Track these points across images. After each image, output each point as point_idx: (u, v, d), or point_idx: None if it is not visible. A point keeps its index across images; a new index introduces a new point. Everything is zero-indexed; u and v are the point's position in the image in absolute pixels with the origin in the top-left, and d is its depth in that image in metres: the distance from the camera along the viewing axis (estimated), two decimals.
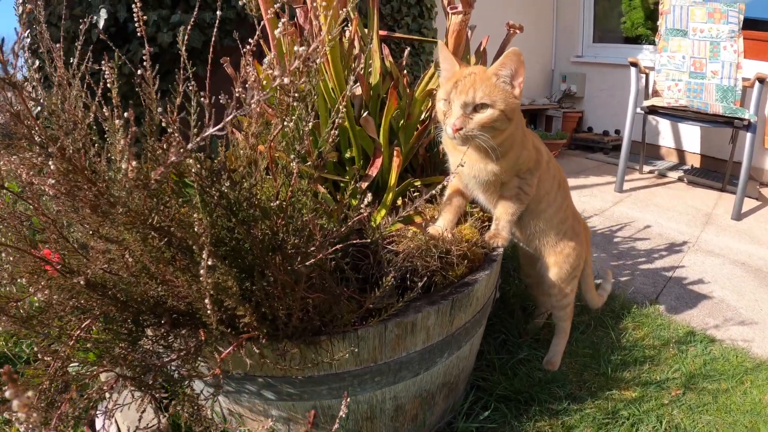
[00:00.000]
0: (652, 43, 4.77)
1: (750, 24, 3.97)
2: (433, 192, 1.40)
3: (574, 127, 5.57)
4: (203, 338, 0.98)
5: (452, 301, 1.13)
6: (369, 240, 0.86)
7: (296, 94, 0.76)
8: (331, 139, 0.93)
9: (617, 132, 5.38)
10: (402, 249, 1.20)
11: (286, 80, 0.60)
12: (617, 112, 4.89)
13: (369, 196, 0.79)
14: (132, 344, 1.01)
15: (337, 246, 0.85)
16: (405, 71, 1.78)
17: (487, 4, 4.64)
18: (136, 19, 0.82)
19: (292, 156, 0.84)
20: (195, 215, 0.78)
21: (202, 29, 2.55)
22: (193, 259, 0.87)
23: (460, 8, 1.22)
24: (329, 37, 1.01)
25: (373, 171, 1.32)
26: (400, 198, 1.40)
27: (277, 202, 0.89)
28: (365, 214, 0.81)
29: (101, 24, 2.36)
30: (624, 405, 1.58)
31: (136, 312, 1.00)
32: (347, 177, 1.37)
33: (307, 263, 0.87)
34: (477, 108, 1.17)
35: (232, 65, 1.44)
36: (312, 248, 0.86)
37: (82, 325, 0.96)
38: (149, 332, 1.04)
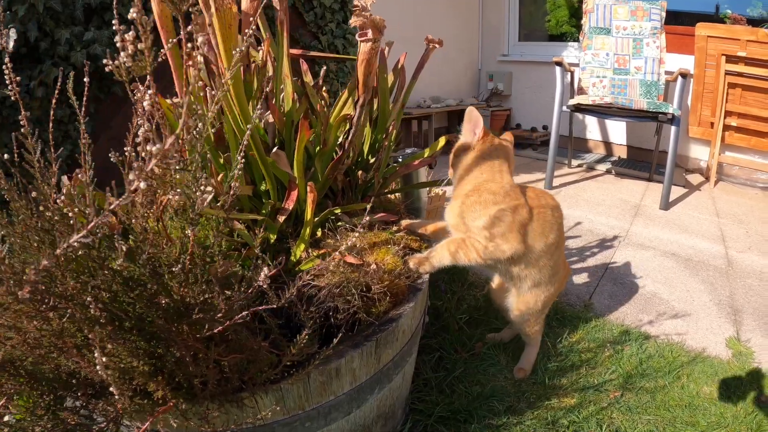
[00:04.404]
0: (577, 40, 4.91)
1: (672, 16, 4.11)
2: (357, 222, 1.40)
3: (502, 125, 5.68)
4: (120, 410, 0.94)
5: (377, 341, 1.11)
6: (275, 305, 0.82)
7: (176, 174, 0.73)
8: (232, 191, 0.89)
9: (545, 128, 5.49)
10: (324, 284, 1.18)
11: (142, 184, 0.56)
12: (544, 108, 5.02)
13: (266, 270, 0.76)
14: (52, 419, 0.96)
15: (243, 313, 0.82)
16: (324, 88, 1.75)
17: (412, 3, 4.67)
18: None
19: (184, 223, 0.80)
20: (87, 298, 0.73)
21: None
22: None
23: (369, 35, 1.20)
24: (228, 75, 0.97)
25: (290, 204, 1.29)
26: (320, 229, 1.38)
27: (179, 266, 0.85)
28: (264, 287, 0.78)
29: (11, 45, 2.23)
30: (563, 413, 1.60)
31: (50, 387, 0.94)
32: (263, 211, 1.33)
33: (215, 330, 0.83)
34: None
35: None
36: (218, 316, 0.83)
37: None
38: (68, 404, 0.99)
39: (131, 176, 0.57)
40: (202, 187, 0.81)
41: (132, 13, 0.66)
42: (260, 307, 0.81)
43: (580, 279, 2.56)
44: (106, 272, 0.80)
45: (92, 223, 0.56)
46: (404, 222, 1.54)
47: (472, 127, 1.46)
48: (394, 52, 1.65)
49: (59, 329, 0.83)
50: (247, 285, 0.85)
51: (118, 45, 0.66)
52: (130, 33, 0.68)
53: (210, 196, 1.23)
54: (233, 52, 0.95)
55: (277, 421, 1.07)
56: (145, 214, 0.90)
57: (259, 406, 1.01)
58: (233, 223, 1.31)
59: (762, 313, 2.28)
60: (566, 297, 2.35)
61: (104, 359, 0.66)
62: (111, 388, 0.76)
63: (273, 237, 1.35)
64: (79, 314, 0.77)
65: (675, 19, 4.39)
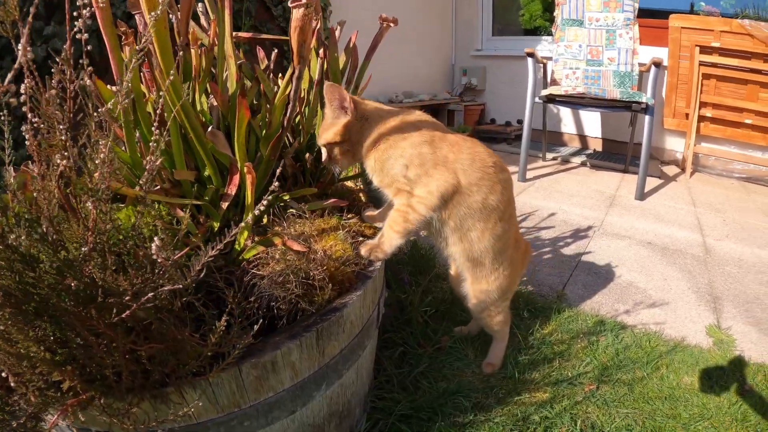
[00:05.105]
0: (551, 34, 4.87)
1: (647, 13, 4.11)
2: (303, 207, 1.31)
3: (476, 119, 5.67)
4: (31, 404, 0.85)
5: (318, 332, 1.02)
6: (180, 285, 0.72)
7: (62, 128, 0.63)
8: (149, 167, 0.80)
9: (519, 122, 5.46)
10: (267, 273, 1.09)
11: None
12: (519, 102, 4.98)
13: (157, 240, 0.66)
14: None
15: (149, 295, 0.72)
16: (280, 75, 1.66)
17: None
18: None
19: (86, 194, 0.71)
20: None
21: (78, 39, 2.38)
22: None
23: (303, 1, 1.10)
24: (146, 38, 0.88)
25: (232, 189, 1.20)
26: (267, 216, 1.29)
27: (88, 246, 0.76)
28: (167, 264, 0.68)
29: None
30: (535, 408, 1.52)
31: None
32: (206, 198, 1.24)
33: (122, 315, 0.74)
34: None
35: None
36: (127, 298, 0.73)
37: None
38: None
39: None
40: (102, 155, 0.71)
41: None
42: (165, 288, 0.71)
43: (553, 269, 2.48)
44: (2, 248, 0.71)
45: None
46: (368, 213, 1.45)
47: (339, 102, 1.26)
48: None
49: None
50: (158, 267, 0.75)
51: None
52: None
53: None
54: (149, 16, 0.86)
55: (211, 419, 0.97)
56: (49, 188, 0.81)
57: (188, 402, 0.91)
58: (176, 211, 1.22)
59: (742, 300, 2.23)
60: (538, 288, 2.27)
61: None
62: (3, 374, 0.67)
63: (217, 225, 1.26)
64: None
65: (650, 16, 4.37)
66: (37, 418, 0.89)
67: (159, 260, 0.66)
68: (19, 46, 0.60)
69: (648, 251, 2.71)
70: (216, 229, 1.27)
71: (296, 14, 1.08)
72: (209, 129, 1.16)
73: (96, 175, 0.71)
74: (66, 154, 0.68)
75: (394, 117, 1.30)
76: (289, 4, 1.09)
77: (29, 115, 0.73)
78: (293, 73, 1.19)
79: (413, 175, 1.23)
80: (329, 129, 1.29)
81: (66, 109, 0.67)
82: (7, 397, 0.89)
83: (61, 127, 0.66)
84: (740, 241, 2.88)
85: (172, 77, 0.81)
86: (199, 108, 1.37)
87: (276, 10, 3.39)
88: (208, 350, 0.81)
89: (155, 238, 0.64)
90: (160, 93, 1.04)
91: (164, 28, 1.06)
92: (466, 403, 1.51)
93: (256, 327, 0.85)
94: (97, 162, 0.71)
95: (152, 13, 0.81)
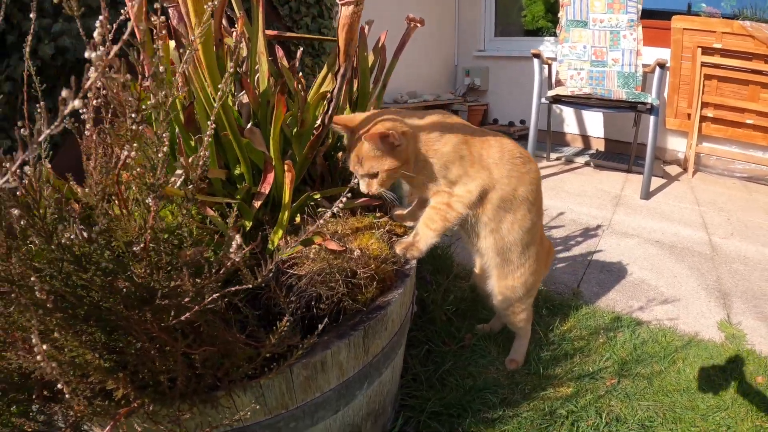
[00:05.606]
0: (553, 35, 4.88)
1: (646, 14, 4.11)
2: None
3: (479, 120, 5.67)
4: (78, 413, 0.83)
5: (365, 330, 1.02)
6: (251, 285, 0.72)
7: (134, 116, 0.63)
8: (201, 162, 0.79)
9: (522, 122, 5.50)
10: (305, 272, 1.08)
11: (77, 102, 0.45)
12: (521, 103, 5.00)
13: (238, 239, 0.66)
14: (4, 425, 0.85)
15: (215, 296, 0.71)
16: (300, 73, 1.66)
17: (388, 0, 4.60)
18: None
19: (145, 190, 0.70)
20: (32, 278, 0.62)
21: (89, 38, 2.35)
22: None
23: None
24: (198, 33, 0.87)
25: (266, 188, 1.19)
26: (299, 215, 1.29)
27: (141, 245, 0.75)
28: (237, 260, 0.68)
29: None
30: (560, 403, 1.54)
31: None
32: (238, 196, 1.23)
33: (182, 318, 0.73)
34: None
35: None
36: (186, 299, 0.72)
37: None
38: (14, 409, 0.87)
39: (64, 93, 0.46)
40: (164, 148, 0.70)
41: None
42: (232, 288, 0.71)
43: (567, 267, 2.51)
44: (53, 248, 0.69)
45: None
46: (397, 212, 1.45)
47: (391, 142, 1.15)
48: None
49: (5, 320, 0.72)
50: (218, 266, 0.75)
51: None
52: None
53: (180, 180, 1.13)
54: (206, 6, 0.84)
55: (258, 422, 0.97)
56: (101, 182, 0.80)
57: (236, 406, 0.91)
58: (206, 210, 1.22)
59: (750, 296, 2.27)
60: (554, 285, 2.29)
61: (45, 347, 0.55)
62: (59, 385, 0.66)
63: (248, 224, 1.25)
64: (24, 299, 0.66)
65: (649, 16, 4.39)
66: (76, 428, 0.87)
67: (237, 260, 0.65)
68: (97, 23, 0.58)
69: (657, 249, 2.74)
70: (248, 228, 1.26)
71: (345, 12, 1.08)
72: (248, 126, 1.16)
73: (158, 170, 0.71)
74: (135, 145, 0.67)
75: (427, 123, 1.28)
76: (338, 2, 1.09)
77: (93, 102, 0.72)
78: (337, 70, 1.18)
79: (454, 176, 1.24)
80: (381, 159, 1.18)
81: (136, 97, 0.66)
82: (45, 407, 0.87)
83: (133, 116, 0.65)
84: (745, 239, 2.92)
85: (229, 73, 0.80)
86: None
87: (283, 9, 3.38)
88: (267, 351, 0.81)
89: (236, 237, 0.63)
90: (216, 89, 1.04)
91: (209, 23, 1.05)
92: (493, 399, 1.53)
93: (320, 327, 0.85)
94: (159, 156, 0.71)
95: (209, 3, 0.80)
